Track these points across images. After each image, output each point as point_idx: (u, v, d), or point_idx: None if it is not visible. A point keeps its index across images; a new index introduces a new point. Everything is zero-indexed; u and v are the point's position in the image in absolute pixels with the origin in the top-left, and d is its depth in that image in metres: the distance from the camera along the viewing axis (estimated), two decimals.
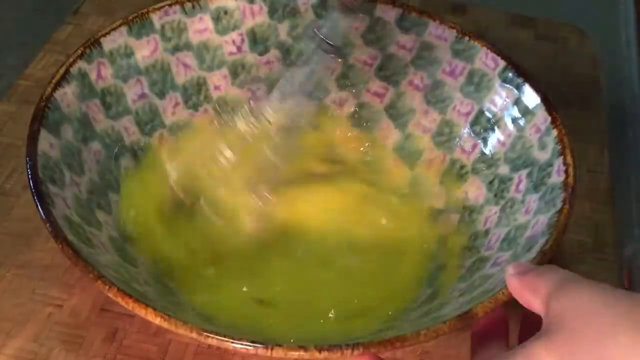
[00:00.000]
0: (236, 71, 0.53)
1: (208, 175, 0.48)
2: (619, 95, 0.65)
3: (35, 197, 0.40)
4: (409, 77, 0.53)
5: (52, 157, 0.43)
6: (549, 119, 0.47)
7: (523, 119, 0.48)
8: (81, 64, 0.47)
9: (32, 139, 0.42)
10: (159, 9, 0.51)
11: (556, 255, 0.49)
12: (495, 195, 0.48)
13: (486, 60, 0.51)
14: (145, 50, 0.50)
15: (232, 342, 0.35)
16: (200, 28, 0.52)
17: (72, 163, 0.44)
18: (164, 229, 0.47)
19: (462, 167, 0.51)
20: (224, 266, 0.47)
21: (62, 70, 0.46)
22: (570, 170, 0.44)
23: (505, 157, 0.49)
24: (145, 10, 0.50)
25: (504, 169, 0.49)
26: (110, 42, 0.49)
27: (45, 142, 0.43)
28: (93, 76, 0.48)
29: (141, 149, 0.50)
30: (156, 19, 0.50)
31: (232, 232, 0.48)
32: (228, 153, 0.47)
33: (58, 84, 0.46)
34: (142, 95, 0.50)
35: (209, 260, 0.47)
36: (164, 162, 0.50)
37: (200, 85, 0.53)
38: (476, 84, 0.51)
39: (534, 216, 0.44)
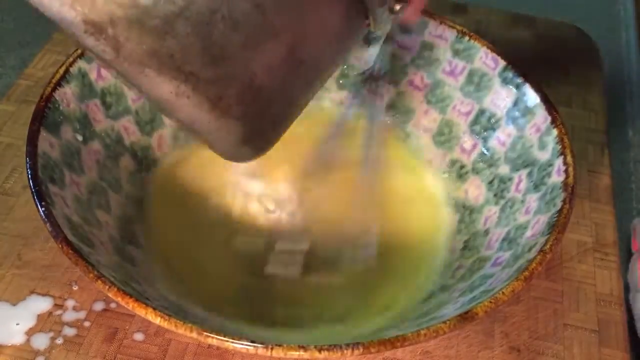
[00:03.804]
0: None
1: None
2: (619, 95, 0.65)
3: (35, 197, 0.40)
4: (409, 76, 0.53)
5: (52, 156, 0.43)
6: (549, 118, 0.47)
7: (523, 118, 0.48)
8: (81, 64, 0.47)
9: (32, 138, 0.42)
10: None
11: (556, 255, 0.50)
12: (495, 195, 0.48)
13: (486, 60, 0.51)
14: None
15: (232, 342, 0.35)
16: None
17: (72, 163, 0.44)
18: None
19: (462, 166, 0.51)
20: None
21: (62, 70, 0.46)
22: (570, 170, 0.44)
23: (505, 156, 0.49)
24: None
25: (504, 169, 0.49)
26: None
27: (45, 142, 0.43)
28: (93, 76, 0.48)
29: (141, 149, 0.50)
30: None
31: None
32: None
33: (58, 84, 0.45)
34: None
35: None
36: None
37: None
38: (476, 84, 0.51)
39: (534, 216, 0.44)
